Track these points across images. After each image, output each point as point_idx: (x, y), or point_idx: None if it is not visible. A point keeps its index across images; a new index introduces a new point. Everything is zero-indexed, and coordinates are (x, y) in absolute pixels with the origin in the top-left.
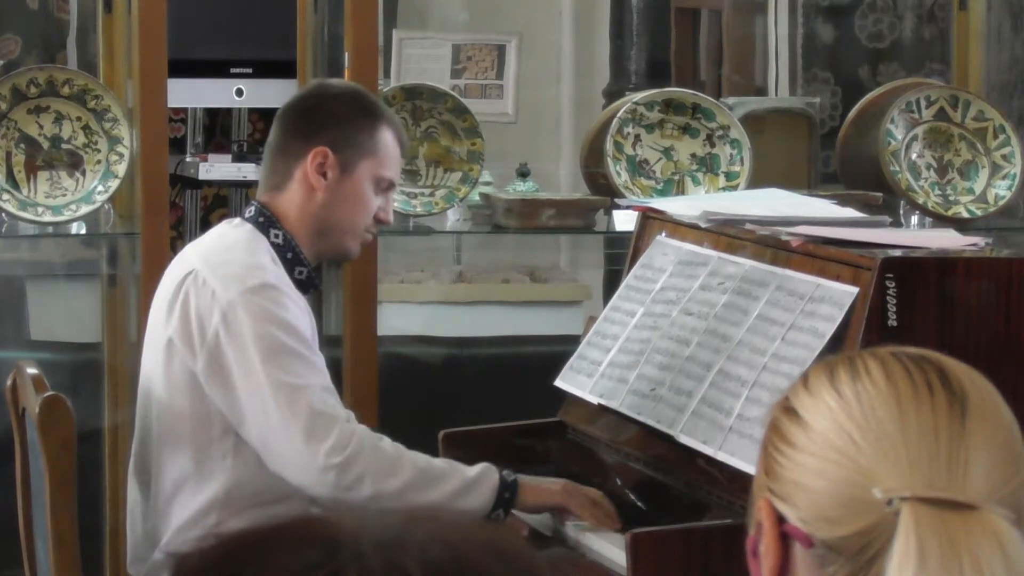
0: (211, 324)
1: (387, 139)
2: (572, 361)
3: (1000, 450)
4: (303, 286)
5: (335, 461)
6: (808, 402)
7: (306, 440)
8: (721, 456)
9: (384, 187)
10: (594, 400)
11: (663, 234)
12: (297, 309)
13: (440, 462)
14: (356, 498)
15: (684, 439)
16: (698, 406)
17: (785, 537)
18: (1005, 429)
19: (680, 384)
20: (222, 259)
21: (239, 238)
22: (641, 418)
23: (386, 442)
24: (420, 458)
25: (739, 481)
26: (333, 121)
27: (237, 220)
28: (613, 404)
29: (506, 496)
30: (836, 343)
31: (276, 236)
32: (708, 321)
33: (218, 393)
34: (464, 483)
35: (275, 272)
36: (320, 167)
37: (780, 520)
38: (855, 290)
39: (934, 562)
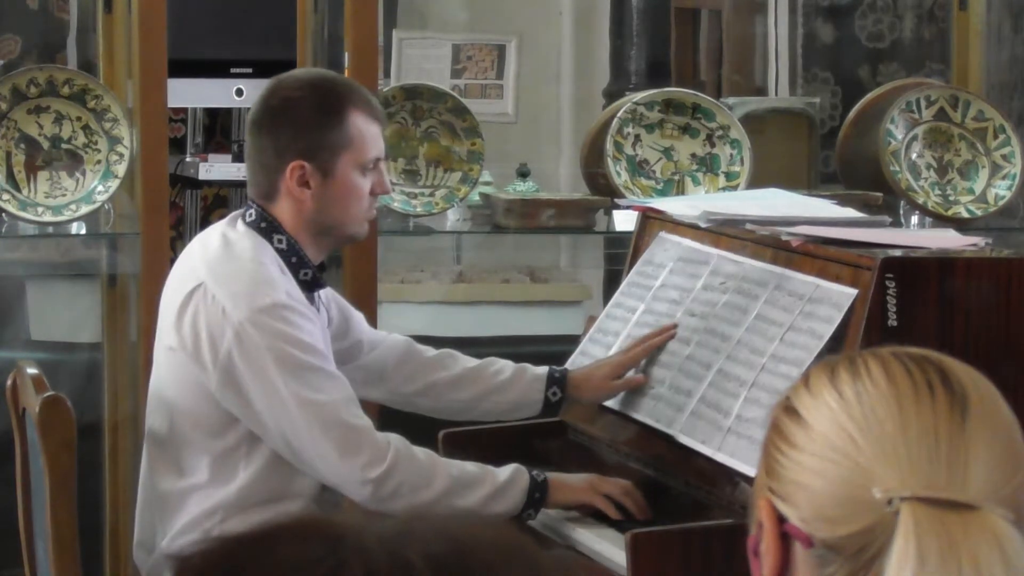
0: (223, 343)
1: (358, 124)
2: (574, 358)
3: (1001, 450)
4: (308, 286)
5: (373, 475)
6: (809, 402)
7: (341, 456)
8: (720, 457)
9: (371, 167)
10: None
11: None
12: (309, 324)
13: (472, 467)
14: (392, 508)
15: (683, 439)
16: (697, 406)
17: (786, 537)
18: (1006, 429)
19: (680, 383)
20: (230, 271)
21: (245, 247)
22: (640, 417)
23: (418, 450)
24: (453, 465)
25: (739, 481)
26: (298, 130)
27: (240, 223)
28: (612, 403)
29: (537, 496)
30: (835, 344)
31: (279, 241)
32: (708, 321)
33: (237, 410)
34: (496, 487)
35: (284, 285)
36: (300, 179)
37: (781, 520)
38: (854, 292)
39: (933, 562)
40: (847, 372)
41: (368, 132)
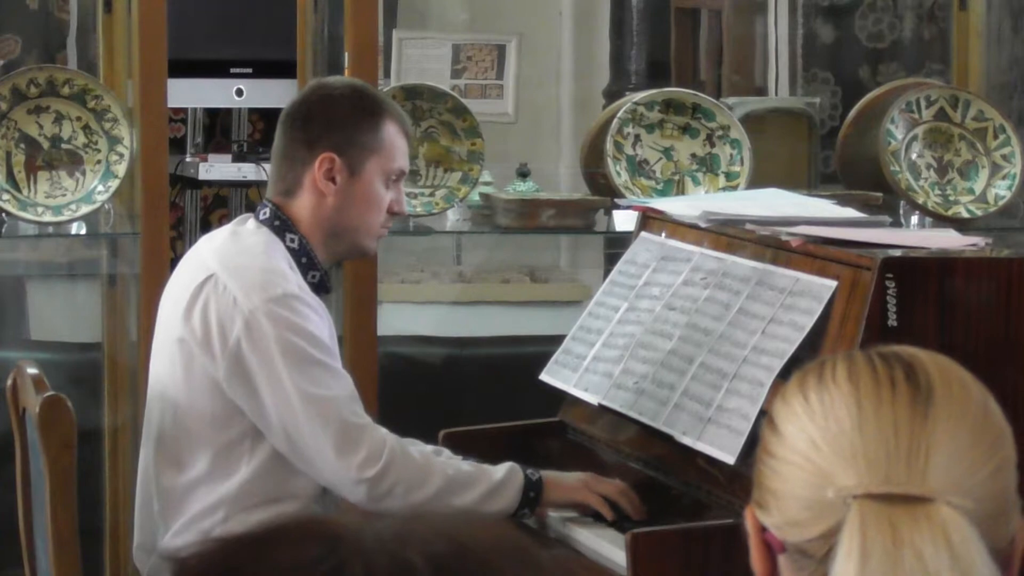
0: (233, 332)
1: (391, 133)
2: (557, 355)
3: (967, 441)
4: (316, 289)
5: (368, 474)
6: (782, 411)
7: (338, 453)
8: (699, 446)
9: (395, 179)
10: (578, 394)
11: (646, 230)
12: (317, 317)
13: (467, 466)
14: (387, 507)
15: (665, 430)
16: (680, 399)
17: (768, 546)
18: (974, 420)
19: (663, 377)
20: (241, 264)
21: (257, 242)
22: (623, 410)
23: (414, 449)
24: (448, 465)
25: (739, 481)
26: (335, 124)
27: (251, 221)
28: (597, 398)
29: (531, 495)
30: (818, 338)
31: (292, 240)
32: (690, 316)
33: (243, 400)
34: (491, 486)
35: (295, 279)
36: (328, 173)
37: (763, 529)
38: (834, 283)
39: (877, 557)
40: (815, 377)
41: (399, 144)
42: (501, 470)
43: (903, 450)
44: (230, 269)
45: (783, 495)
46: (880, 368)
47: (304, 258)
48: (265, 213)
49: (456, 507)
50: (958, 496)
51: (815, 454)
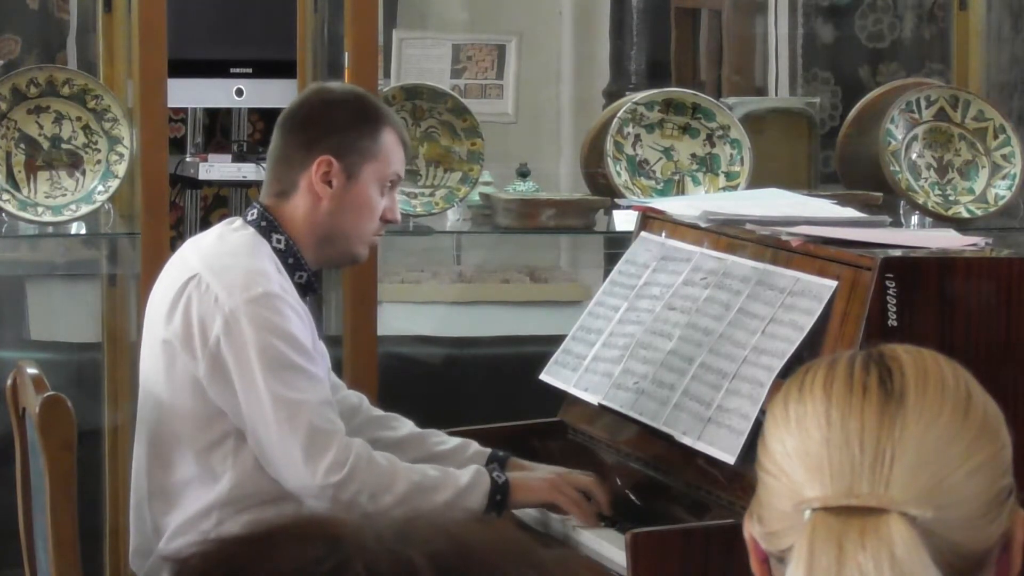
0: (213, 330)
1: (390, 141)
2: (557, 355)
3: (938, 444)
4: (302, 290)
5: (334, 479)
6: (769, 421)
7: (305, 457)
8: (700, 445)
9: (390, 187)
10: (578, 394)
11: (646, 230)
12: (298, 319)
13: (432, 471)
14: (352, 513)
15: (665, 430)
16: (680, 399)
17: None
18: (948, 422)
19: (663, 377)
20: (225, 264)
21: (242, 242)
22: (623, 410)
23: (380, 455)
24: (414, 470)
25: (739, 481)
26: (334, 128)
27: (238, 222)
28: (597, 398)
29: (498, 498)
30: (818, 337)
31: (278, 241)
32: (690, 315)
33: (222, 397)
34: (457, 491)
35: (278, 280)
36: (325, 176)
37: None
38: (833, 283)
39: (821, 573)
40: (796, 386)
41: (396, 152)
42: (467, 473)
43: (868, 460)
44: (214, 268)
45: (766, 505)
46: (857, 374)
47: (291, 259)
48: (252, 214)
49: (423, 512)
50: (920, 506)
51: (788, 466)
